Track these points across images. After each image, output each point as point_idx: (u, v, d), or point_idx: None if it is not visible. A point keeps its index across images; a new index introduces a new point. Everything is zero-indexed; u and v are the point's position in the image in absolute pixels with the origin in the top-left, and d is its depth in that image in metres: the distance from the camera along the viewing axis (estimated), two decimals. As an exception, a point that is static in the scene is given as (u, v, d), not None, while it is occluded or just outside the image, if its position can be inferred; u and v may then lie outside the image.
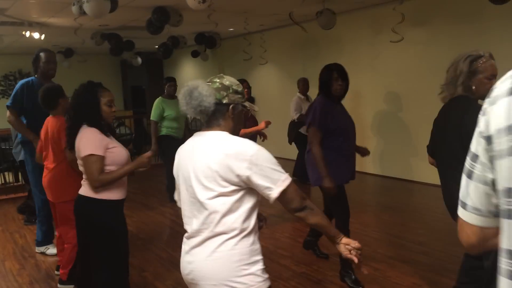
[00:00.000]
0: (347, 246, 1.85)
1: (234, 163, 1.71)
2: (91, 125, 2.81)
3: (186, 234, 1.90)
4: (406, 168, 7.16)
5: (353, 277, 3.62)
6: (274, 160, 1.77)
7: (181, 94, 1.82)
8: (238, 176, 1.72)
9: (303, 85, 7.12)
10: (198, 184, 1.79)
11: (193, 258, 1.83)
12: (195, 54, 10.72)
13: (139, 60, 11.17)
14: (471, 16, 6.01)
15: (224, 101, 1.84)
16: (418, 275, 3.78)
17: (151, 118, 6.31)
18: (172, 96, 6.42)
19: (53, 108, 3.79)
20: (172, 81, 6.58)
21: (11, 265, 4.41)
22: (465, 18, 6.09)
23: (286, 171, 1.81)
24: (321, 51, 8.34)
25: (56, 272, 4.06)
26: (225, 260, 1.75)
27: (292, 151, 7.53)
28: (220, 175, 1.73)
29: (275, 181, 1.73)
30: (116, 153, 2.84)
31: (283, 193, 1.74)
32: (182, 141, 2.44)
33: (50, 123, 3.77)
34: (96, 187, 2.76)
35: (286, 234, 4.97)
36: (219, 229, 1.76)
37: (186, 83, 1.83)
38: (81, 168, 2.85)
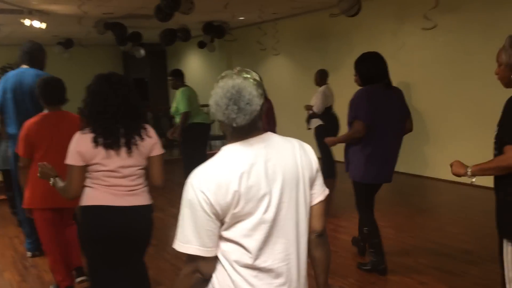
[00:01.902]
0: None
1: (313, 163, 1.61)
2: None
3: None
4: (430, 164, 6.72)
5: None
6: None
7: (220, 98, 1.43)
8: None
9: (321, 76, 6.71)
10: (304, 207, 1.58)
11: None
12: (202, 45, 10.20)
13: (142, 51, 10.68)
14: (507, 2, 5.54)
15: (261, 102, 1.50)
16: (472, 290, 3.35)
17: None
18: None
19: (64, 102, 3.36)
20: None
21: (11, 277, 3.97)
22: (499, 4, 5.61)
23: None
24: (341, 41, 7.87)
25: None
26: None
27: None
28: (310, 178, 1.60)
29: (323, 185, 1.67)
30: None
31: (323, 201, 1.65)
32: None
33: (68, 119, 3.33)
34: (162, 187, 2.53)
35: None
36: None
37: (220, 83, 1.45)
38: (136, 172, 2.41)
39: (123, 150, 2.34)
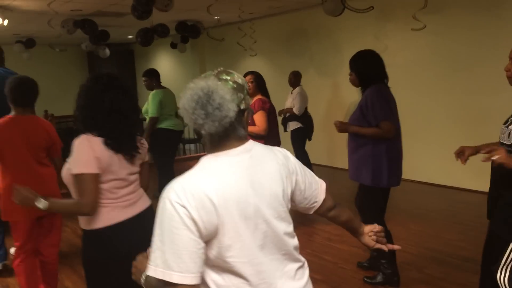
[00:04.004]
0: (371, 236, 1.70)
1: (298, 170, 1.54)
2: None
3: None
4: (414, 168, 6.64)
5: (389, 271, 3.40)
6: None
7: (187, 101, 1.27)
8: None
9: (295, 77, 6.60)
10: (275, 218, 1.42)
11: None
12: (174, 45, 9.81)
13: (107, 51, 10.19)
14: (494, 4, 5.50)
15: (242, 106, 1.37)
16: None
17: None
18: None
19: (33, 104, 3.02)
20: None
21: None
22: (487, 6, 5.58)
23: None
24: (319, 42, 7.70)
25: None
26: None
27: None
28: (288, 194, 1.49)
29: (317, 181, 1.63)
30: None
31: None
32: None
33: (37, 123, 3.01)
34: None
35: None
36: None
37: (190, 84, 1.29)
38: (137, 177, 2.25)
39: (130, 156, 2.15)
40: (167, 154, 5.88)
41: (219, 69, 1.39)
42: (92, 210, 2.01)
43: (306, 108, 6.51)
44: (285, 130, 6.52)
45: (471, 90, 5.77)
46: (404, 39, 6.46)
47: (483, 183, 5.68)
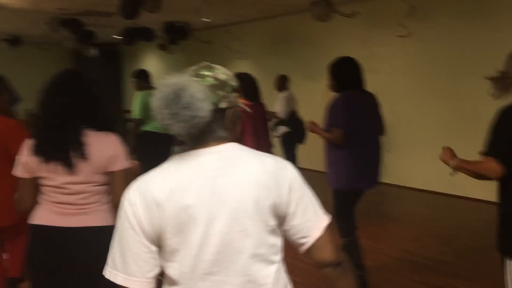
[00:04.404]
0: None
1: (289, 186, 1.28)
2: (106, 128, 2.04)
3: None
4: (394, 172, 6.73)
5: None
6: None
7: (155, 99, 1.17)
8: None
9: (282, 81, 6.65)
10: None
11: None
12: (162, 47, 9.81)
13: (95, 51, 10.11)
14: (481, 11, 5.62)
15: (223, 105, 1.22)
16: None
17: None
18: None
19: None
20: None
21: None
22: (474, 13, 5.69)
23: None
24: (308, 47, 7.77)
25: None
26: None
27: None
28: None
29: (317, 213, 1.32)
30: None
31: (323, 233, 1.31)
32: None
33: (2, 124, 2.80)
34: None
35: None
36: None
37: (162, 81, 1.19)
38: (92, 189, 2.01)
39: (69, 164, 1.94)
40: (155, 158, 5.80)
41: (202, 64, 1.28)
42: (22, 207, 2.06)
43: (294, 112, 6.55)
44: (274, 135, 6.56)
45: (457, 97, 5.87)
46: (391, 46, 6.55)
47: (463, 189, 5.85)
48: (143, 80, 5.82)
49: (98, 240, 1.90)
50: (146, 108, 5.57)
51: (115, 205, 1.97)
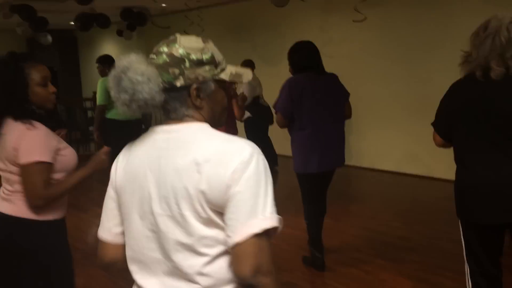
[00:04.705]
0: None
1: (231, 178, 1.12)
2: (19, 117, 1.97)
3: None
4: (354, 154, 6.92)
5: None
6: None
7: (110, 82, 1.18)
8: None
9: (246, 66, 6.63)
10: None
11: None
12: (120, 33, 9.60)
13: (49, 38, 9.78)
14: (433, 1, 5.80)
15: (179, 83, 1.17)
16: (415, 276, 3.43)
17: None
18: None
19: None
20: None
21: None
22: (426, 2, 5.87)
23: None
24: (266, 33, 7.80)
25: None
26: None
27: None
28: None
29: (249, 217, 1.09)
30: (68, 156, 2.09)
31: (254, 238, 1.08)
32: None
33: None
34: (39, 206, 1.98)
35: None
36: None
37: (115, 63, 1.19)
38: (10, 177, 2.01)
39: None
40: (121, 147, 5.73)
41: (171, 37, 1.22)
42: None
43: (258, 97, 6.55)
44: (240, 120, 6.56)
45: (415, 79, 6.04)
46: (348, 30, 6.67)
47: (424, 168, 6.08)
48: (107, 65, 5.64)
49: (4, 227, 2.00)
50: (110, 94, 5.49)
51: (27, 199, 1.96)
